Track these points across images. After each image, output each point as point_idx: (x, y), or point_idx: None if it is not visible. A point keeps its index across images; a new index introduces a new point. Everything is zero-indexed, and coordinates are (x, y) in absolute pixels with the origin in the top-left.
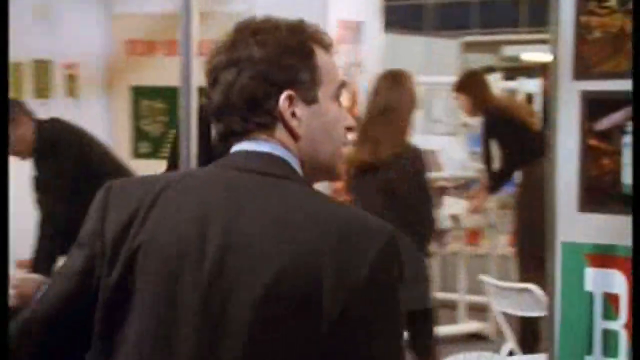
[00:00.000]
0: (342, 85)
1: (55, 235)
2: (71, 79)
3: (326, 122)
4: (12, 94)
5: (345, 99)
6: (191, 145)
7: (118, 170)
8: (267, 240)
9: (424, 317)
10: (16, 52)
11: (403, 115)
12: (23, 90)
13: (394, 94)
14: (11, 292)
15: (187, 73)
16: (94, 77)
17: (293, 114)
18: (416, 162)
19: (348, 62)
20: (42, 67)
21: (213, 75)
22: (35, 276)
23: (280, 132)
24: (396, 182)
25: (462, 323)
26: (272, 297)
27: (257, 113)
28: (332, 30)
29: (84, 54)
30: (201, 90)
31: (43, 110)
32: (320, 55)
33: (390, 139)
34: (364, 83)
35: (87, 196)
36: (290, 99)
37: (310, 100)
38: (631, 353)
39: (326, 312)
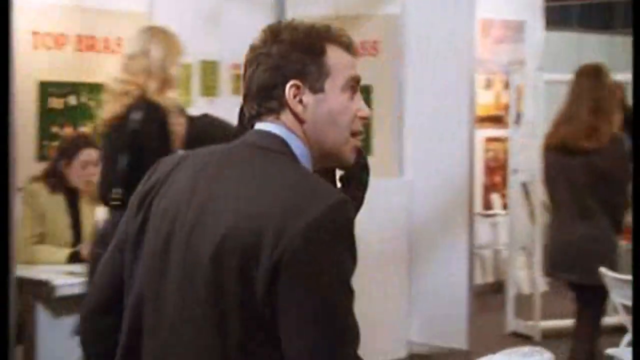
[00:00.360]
0: (354, 79)
1: None
2: (237, 78)
3: (332, 110)
4: (180, 92)
5: (358, 97)
6: None
7: None
8: (228, 200)
9: (593, 294)
10: (186, 54)
11: (611, 105)
12: (191, 89)
13: (599, 86)
14: None
15: None
16: None
17: (300, 101)
18: (625, 150)
19: (510, 60)
20: (209, 67)
21: (243, 70)
22: None
23: (287, 116)
24: (609, 167)
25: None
26: (223, 250)
27: (268, 99)
28: (476, 28)
29: None
30: None
31: (210, 106)
32: (333, 52)
33: (606, 127)
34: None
35: None
36: (296, 87)
37: (316, 89)
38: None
39: (263, 267)
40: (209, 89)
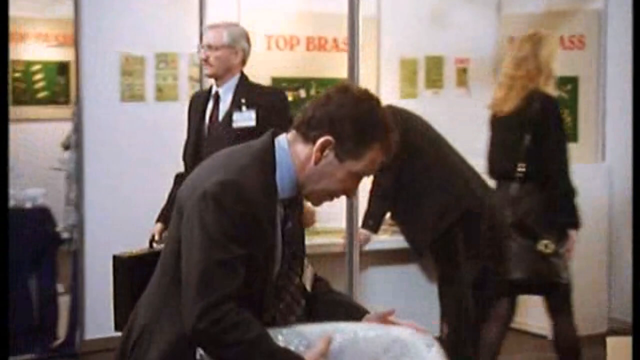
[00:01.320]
0: (367, 174)
1: (384, 197)
2: (461, 72)
3: (334, 178)
4: (406, 85)
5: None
6: None
7: (437, 151)
8: (189, 181)
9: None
10: (413, 50)
11: None
12: (417, 82)
13: None
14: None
15: (352, 68)
16: (482, 70)
17: (321, 152)
18: None
19: None
20: (435, 62)
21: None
22: (363, 231)
23: (305, 146)
24: None
25: None
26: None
27: (307, 128)
28: None
29: (474, 50)
30: None
31: (435, 98)
32: (373, 151)
33: None
34: None
35: (409, 168)
36: (328, 143)
37: (339, 157)
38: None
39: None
40: (434, 82)
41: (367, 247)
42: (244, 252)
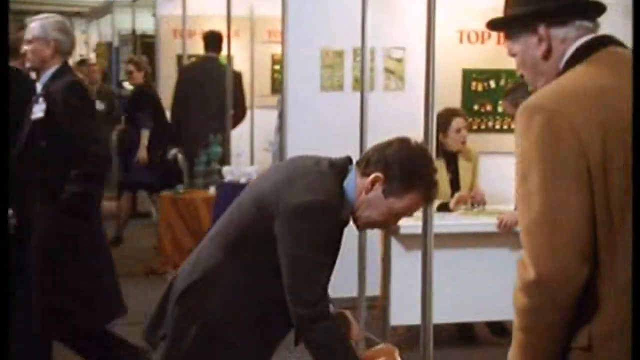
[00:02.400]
0: (406, 215)
1: None
2: None
3: (379, 210)
4: None
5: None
6: None
7: None
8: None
9: None
10: None
11: None
12: None
13: None
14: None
15: None
16: None
17: (372, 185)
18: None
19: None
20: None
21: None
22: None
23: (365, 180)
24: None
25: None
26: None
27: (367, 165)
28: None
29: None
30: None
31: None
32: (413, 196)
33: None
34: None
35: None
36: (378, 179)
37: (385, 193)
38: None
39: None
40: None
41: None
42: (331, 259)
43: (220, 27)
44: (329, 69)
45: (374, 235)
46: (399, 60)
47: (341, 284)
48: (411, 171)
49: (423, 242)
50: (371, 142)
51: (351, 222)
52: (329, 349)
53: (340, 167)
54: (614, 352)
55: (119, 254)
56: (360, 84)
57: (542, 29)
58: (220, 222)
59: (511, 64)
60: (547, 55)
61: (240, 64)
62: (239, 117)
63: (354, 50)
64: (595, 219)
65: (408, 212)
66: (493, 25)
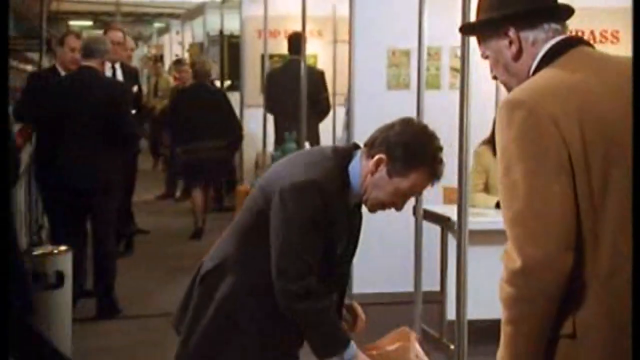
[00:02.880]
0: (413, 194)
1: None
2: None
3: (385, 189)
4: None
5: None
6: None
7: None
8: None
9: None
10: None
11: None
12: None
13: None
14: None
15: None
16: None
17: (376, 167)
18: None
19: None
20: None
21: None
22: None
23: (370, 162)
24: None
25: None
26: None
27: (368, 146)
28: None
29: None
30: None
31: None
32: (419, 174)
33: None
34: None
35: None
36: (382, 160)
37: (389, 174)
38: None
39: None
40: None
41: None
42: (321, 241)
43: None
44: (396, 68)
45: (433, 232)
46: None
47: (399, 278)
48: (414, 150)
49: (458, 238)
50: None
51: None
52: (314, 325)
53: (344, 152)
54: (599, 340)
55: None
56: (426, 83)
57: (512, 32)
58: (241, 211)
59: None
60: (517, 56)
61: (322, 63)
62: (323, 113)
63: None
64: (577, 208)
65: (415, 191)
66: (465, 29)
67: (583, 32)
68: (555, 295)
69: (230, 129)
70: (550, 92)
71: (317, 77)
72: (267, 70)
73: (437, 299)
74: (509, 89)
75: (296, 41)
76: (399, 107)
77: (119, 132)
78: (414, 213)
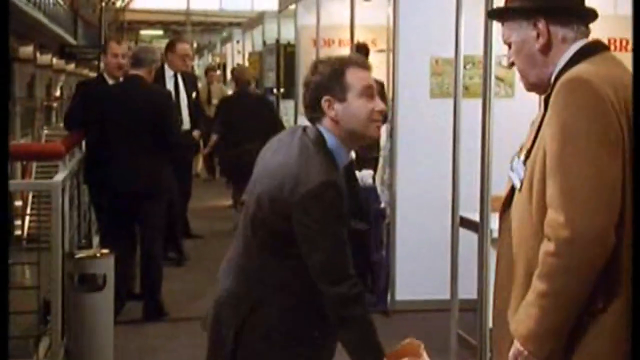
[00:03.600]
0: (369, 87)
1: None
2: None
3: (353, 110)
4: None
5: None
6: None
7: None
8: (260, 172)
9: None
10: None
11: None
12: None
13: None
14: None
15: None
16: None
17: (332, 109)
18: None
19: None
20: None
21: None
22: None
23: (327, 120)
24: None
25: None
26: (256, 203)
27: (314, 111)
28: None
29: None
30: None
31: None
32: (350, 72)
33: None
34: None
35: None
36: (328, 101)
37: (342, 99)
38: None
39: (283, 207)
40: None
41: None
42: (346, 225)
43: (359, 36)
44: (439, 77)
45: (468, 239)
46: (509, 68)
47: (436, 286)
48: (333, 71)
49: (479, 244)
50: (479, 148)
51: None
52: (365, 331)
53: (316, 138)
54: (626, 314)
55: None
56: (468, 91)
57: (541, 25)
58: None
59: None
60: (545, 49)
61: (379, 72)
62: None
63: (465, 58)
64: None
65: (368, 91)
66: (494, 14)
67: (628, 41)
68: (599, 269)
69: (272, 133)
70: (603, 79)
71: (377, 88)
72: None
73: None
74: (524, 77)
75: (358, 51)
76: (441, 115)
77: (164, 139)
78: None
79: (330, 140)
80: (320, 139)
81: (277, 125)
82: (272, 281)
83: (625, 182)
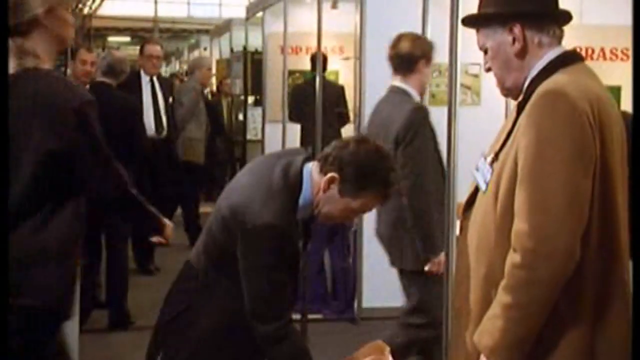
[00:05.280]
0: (363, 213)
1: None
2: None
3: (333, 206)
4: None
5: None
6: None
7: None
8: (234, 183)
9: None
10: None
11: None
12: None
13: None
14: None
15: None
16: None
17: (329, 184)
18: None
19: None
20: None
21: None
22: None
23: (321, 178)
24: None
25: None
26: (216, 212)
27: (325, 164)
28: None
29: None
30: None
31: None
32: (370, 197)
33: None
34: None
35: None
36: (334, 179)
37: (339, 192)
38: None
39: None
40: None
41: None
42: (287, 276)
43: (326, 43)
44: None
45: None
46: (476, 76)
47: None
48: (365, 173)
49: (445, 251)
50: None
51: None
52: None
53: (295, 177)
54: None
55: None
56: (435, 99)
57: (517, 30)
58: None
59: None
60: (521, 54)
61: (344, 79)
62: (343, 123)
63: (431, 66)
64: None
65: (365, 210)
66: (468, 21)
67: (593, 50)
68: (563, 282)
69: None
70: (581, 92)
71: (338, 92)
72: (287, 85)
73: None
74: (501, 82)
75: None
76: None
77: (130, 146)
78: None
79: (307, 192)
80: (295, 183)
81: None
82: (209, 292)
83: (594, 200)
